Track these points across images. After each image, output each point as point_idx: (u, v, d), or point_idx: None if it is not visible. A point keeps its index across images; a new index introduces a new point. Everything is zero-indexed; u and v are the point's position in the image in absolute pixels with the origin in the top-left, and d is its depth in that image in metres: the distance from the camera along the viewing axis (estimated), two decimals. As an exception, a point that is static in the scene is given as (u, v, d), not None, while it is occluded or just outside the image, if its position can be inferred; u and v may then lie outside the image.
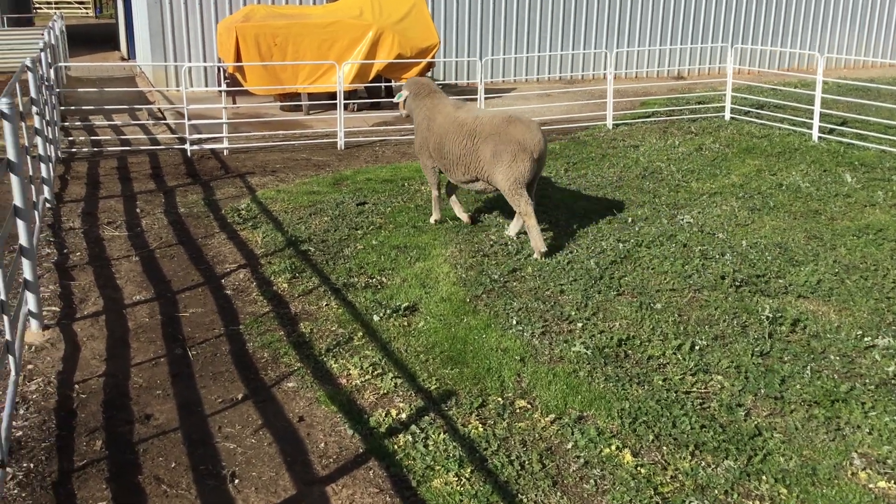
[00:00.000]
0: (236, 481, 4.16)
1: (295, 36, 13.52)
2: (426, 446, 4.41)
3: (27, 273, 5.58)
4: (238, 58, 13.23)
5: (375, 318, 6.03)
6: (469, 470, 4.21)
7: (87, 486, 4.09)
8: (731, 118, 13.70)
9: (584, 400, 4.88)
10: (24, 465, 4.24)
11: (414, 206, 8.79)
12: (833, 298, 6.38)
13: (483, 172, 7.28)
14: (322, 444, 4.49)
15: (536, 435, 4.56)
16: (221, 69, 13.56)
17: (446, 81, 17.83)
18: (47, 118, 9.59)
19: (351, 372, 5.25)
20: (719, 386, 5.07)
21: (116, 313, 6.17)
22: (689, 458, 4.34)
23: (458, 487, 4.07)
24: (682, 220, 8.25)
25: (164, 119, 13.74)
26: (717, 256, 7.20)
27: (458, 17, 17.78)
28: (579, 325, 5.87)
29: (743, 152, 11.36)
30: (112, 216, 8.58)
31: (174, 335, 5.83)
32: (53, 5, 41.23)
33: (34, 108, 8.43)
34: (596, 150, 11.71)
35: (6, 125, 5.38)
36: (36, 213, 7.46)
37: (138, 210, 8.80)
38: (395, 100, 8.63)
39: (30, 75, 8.42)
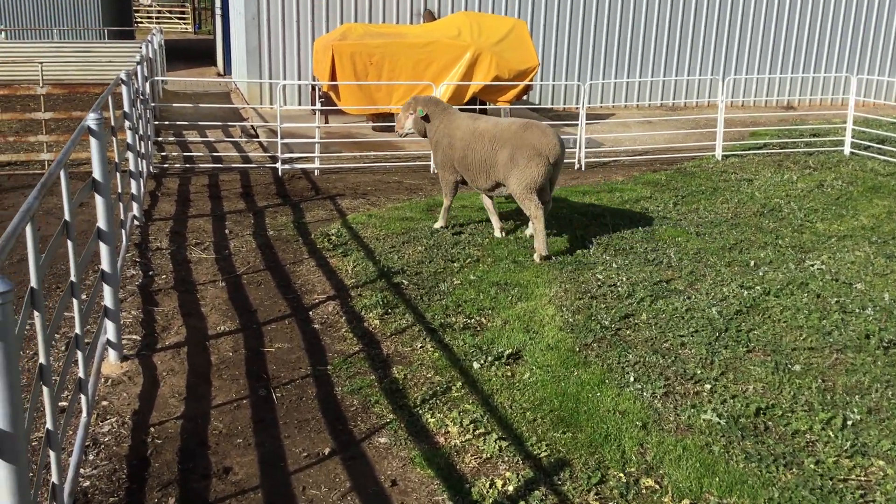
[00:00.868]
0: (321, 558, 3.64)
1: (391, 55, 13.17)
2: (538, 529, 3.81)
3: (108, 300, 5.22)
4: (333, 76, 12.94)
5: (476, 365, 5.46)
6: (590, 564, 3.59)
7: (156, 552, 3.63)
8: (852, 153, 12.72)
9: (722, 483, 4.17)
10: (90, 522, 3.81)
11: (514, 237, 8.21)
12: None
13: (501, 177, 7.54)
14: (418, 518, 3.94)
15: (666, 522, 3.90)
16: (316, 87, 13.31)
17: (542, 106, 17.23)
18: (140, 132, 9.39)
19: (450, 429, 4.68)
20: (881, 473, 4.31)
21: (199, 345, 5.77)
22: (855, 565, 3.62)
23: (578, 586, 3.45)
24: (812, 266, 7.44)
25: (258, 137, 13.55)
26: (858, 311, 6.39)
27: (558, 40, 17.18)
28: (707, 386, 5.17)
29: (869, 191, 10.42)
30: (200, 237, 8.26)
31: (258, 373, 5.38)
32: (154, 20, 42.34)
33: (127, 123, 8.19)
34: (706, 182, 10.94)
35: (93, 142, 5.04)
36: (123, 231, 7.17)
37: (227, 231, 8.47)
38: (403, 127, 8.39)
39: (123, 89, 8.19)
